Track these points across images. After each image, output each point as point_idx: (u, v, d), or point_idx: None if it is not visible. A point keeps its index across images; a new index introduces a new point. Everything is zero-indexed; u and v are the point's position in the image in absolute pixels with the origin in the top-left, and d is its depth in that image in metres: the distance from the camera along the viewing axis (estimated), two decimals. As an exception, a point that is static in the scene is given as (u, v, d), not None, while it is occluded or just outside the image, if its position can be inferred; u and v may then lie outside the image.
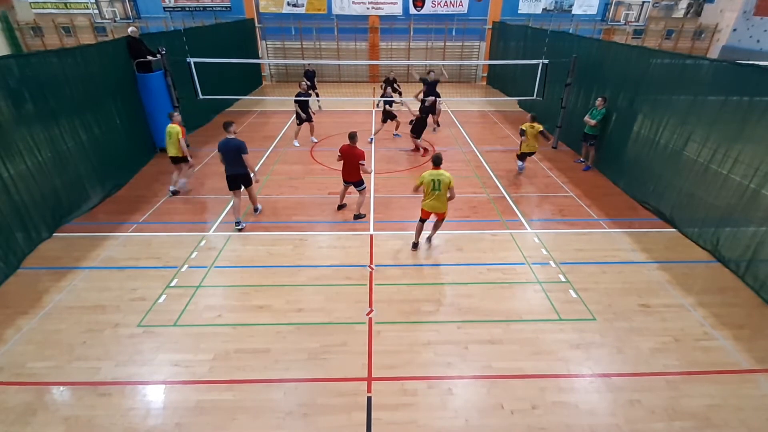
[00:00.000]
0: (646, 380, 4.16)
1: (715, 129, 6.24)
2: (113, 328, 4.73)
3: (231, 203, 7.05)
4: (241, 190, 6.77)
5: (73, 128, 7.06)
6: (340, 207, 7.44)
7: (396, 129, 11.62)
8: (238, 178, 6.60)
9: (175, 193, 7.98)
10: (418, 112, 10.24)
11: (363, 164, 6.72)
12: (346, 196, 7.39)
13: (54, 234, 6.51)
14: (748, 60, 9.21)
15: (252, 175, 6.69)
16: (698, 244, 6.43)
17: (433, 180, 5.72)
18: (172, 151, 7.70)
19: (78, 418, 3.71)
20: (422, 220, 6.19)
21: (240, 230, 6.71)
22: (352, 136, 6.70)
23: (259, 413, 3.79)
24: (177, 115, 7.79)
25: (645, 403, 3.91)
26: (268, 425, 3.69)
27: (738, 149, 5.84)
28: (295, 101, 10.17)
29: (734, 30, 19.37)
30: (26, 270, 5.72)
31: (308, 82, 11.46)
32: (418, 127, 10.16)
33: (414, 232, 6.30)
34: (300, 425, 3.70)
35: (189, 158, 7.81)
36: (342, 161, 6.87)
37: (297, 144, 10.84)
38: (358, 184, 7.02)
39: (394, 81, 12.32)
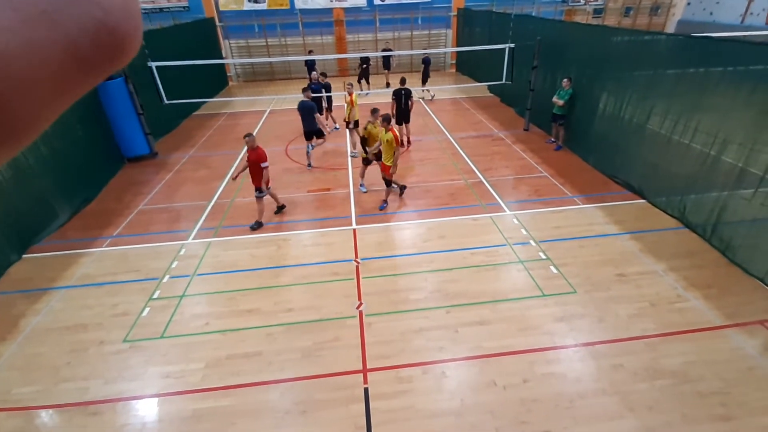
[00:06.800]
0: (626, 345, 4.38)
1: (675, 101, 6.52)
2: (98, 346, 4.61)
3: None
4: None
5: (32, 143, 6.73)
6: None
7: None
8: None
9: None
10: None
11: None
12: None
13: (24, 256, 6.23)
14: (702, 32, 9.62)
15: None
16: (666, 212, 6.74)
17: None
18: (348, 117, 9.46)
19: (70, 441, 3.63)
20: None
21: None
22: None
23: (258, 415, 3.80)
24: (349, 87, 9.35)
25: (627, 367, 4.12)
26: (268, 426, 3.70)
27: (697, 119, 6.13)
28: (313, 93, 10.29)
29: (688, 3, 20.08)
30: (-3, 295, 5.48)
31: (316, 72, 11.54)
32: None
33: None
34: (299, 422, 3.73)
35: (349, 124, 9.61)
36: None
37: (336, 127, 11.40)
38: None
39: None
